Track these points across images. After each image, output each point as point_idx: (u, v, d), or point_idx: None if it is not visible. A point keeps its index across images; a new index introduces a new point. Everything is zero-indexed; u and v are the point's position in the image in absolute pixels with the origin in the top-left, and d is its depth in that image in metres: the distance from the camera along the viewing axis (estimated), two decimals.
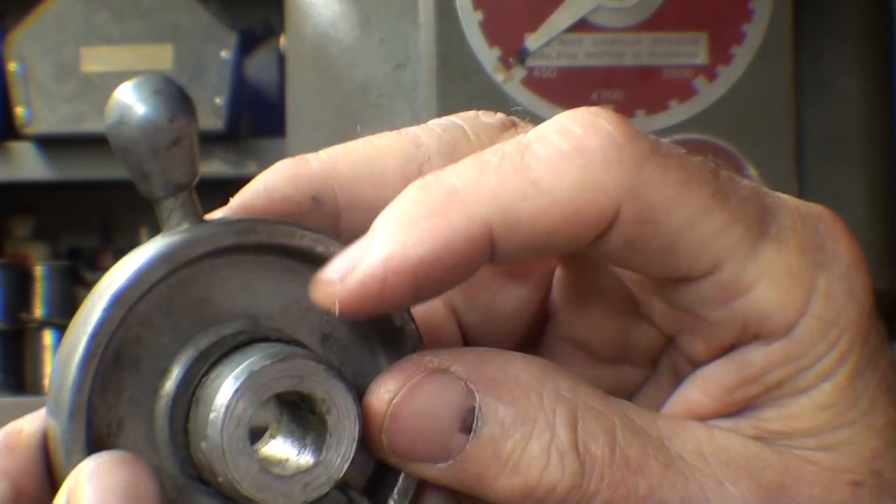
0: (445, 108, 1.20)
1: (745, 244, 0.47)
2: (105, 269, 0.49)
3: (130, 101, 0.45)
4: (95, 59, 2.36)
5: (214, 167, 2.31)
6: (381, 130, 0.61)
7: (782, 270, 0.47)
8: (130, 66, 2.35)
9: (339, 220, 0.50)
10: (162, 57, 2.35)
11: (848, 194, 1.25)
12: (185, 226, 0.46)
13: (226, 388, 0.45)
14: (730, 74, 1.22)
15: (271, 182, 0.49)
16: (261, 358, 0.45)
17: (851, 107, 1.27)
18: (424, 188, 0.45)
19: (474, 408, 0.47)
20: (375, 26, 1.23)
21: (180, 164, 0.46)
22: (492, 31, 1.19)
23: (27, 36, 2.36)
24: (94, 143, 2.36)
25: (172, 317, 0.47)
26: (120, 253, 0.58)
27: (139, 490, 0.44)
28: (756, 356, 0.48)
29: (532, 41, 1.20)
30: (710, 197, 0.46)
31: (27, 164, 2.43)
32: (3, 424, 0.58)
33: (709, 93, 1.22)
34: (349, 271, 0.45)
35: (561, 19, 1.19)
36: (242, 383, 0.45)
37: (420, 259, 0.44)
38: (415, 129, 0.51)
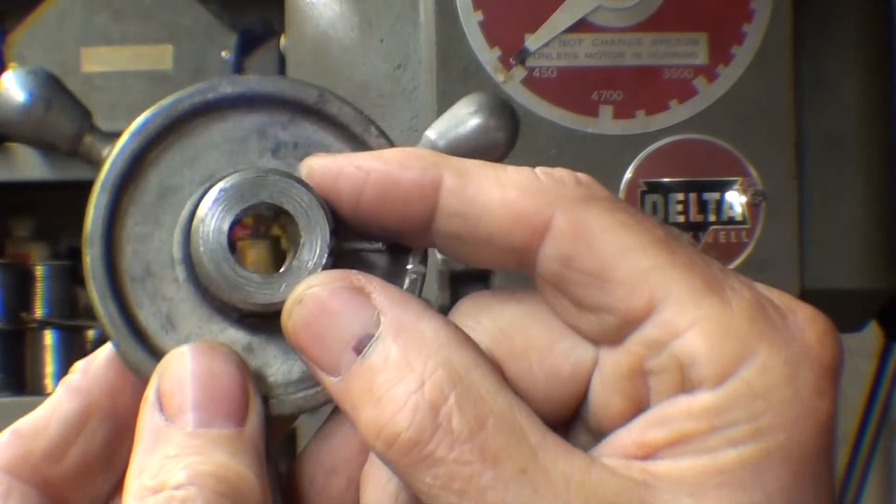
0: (445, 108, 1.20)
1: (685, 291, 0.48)
2: None
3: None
4: (95, 59, 2.36)
5: None
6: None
7: (719, 324, 0.47)
8: (130, 66, 2.35)
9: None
10: (162, 57, 2.35)
11: (848, 194, 1.25)
12: (105, 152, 0.55)
13: (204, 205, 0.54)
14: (730, 74, 1.22)
15: None
16: (228, 180, 0.54)
17: (851, 107, 1.27)
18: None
19: (372, 336, 0.50)
20: (375, 26, 1.23)
21: (66, 120, 0.54)
22: (492, 31, 1.20)
23: (27, 36, 2.36)
24: None
25: (153, 218, 0.55)
26: None
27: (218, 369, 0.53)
28: (678, 405, 0.48)
29: (532, 41, 1.20)
30: (648, 241, 0.49)
31: (27, 164, 2.42)
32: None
33: (709, 93, 1.22)
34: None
35: (561, 19, 1.19)
36: (218, 195, 0.53)
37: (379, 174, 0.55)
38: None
